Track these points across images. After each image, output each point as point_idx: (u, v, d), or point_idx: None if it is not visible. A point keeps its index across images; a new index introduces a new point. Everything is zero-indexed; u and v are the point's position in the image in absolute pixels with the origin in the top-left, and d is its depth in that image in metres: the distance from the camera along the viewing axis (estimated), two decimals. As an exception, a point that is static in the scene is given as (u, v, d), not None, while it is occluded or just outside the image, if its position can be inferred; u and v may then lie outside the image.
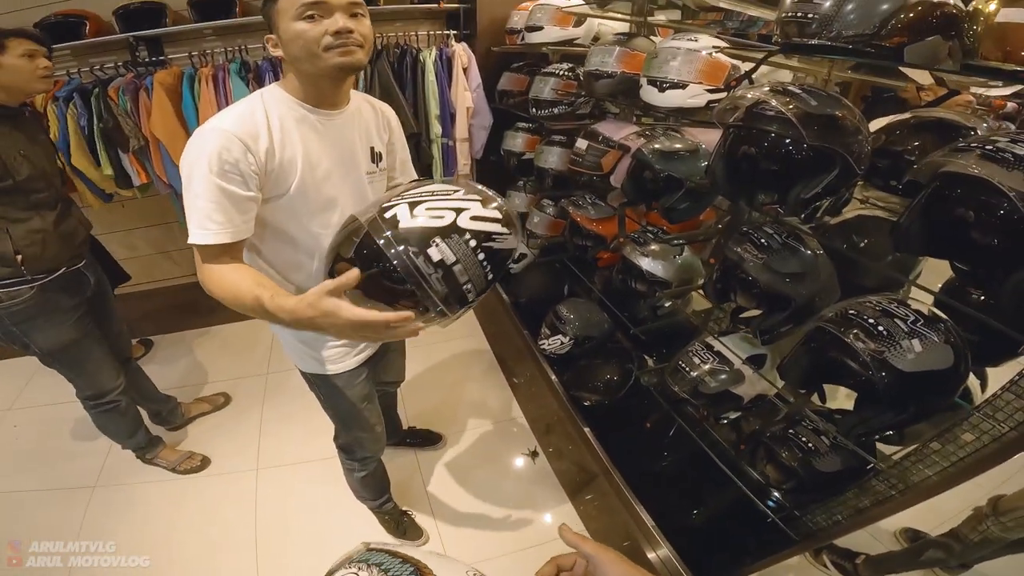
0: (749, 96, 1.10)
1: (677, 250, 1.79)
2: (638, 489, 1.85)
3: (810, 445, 1.38)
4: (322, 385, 1.36)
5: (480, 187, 0.89)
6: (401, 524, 1.88)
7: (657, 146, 1.59)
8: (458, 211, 0.81)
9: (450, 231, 0.79)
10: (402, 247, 0.77)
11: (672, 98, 1.51)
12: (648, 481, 1.88)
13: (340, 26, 0.93)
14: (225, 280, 0.96)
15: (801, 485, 1.41)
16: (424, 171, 2.69)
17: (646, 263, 1.80)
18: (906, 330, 0.98)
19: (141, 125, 2.33)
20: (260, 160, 0.97)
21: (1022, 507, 1.41)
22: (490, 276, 0.84)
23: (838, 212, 1.20)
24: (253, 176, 0.97)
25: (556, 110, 2.27)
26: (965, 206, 0.86)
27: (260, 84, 2.32)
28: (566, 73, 2.21)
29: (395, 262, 0.77)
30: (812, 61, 1.36)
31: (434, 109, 2.60)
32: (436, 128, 2.67)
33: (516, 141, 2.61)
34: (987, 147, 0.79)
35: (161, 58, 2.40)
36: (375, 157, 1.20)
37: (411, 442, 2.24)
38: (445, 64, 2.60)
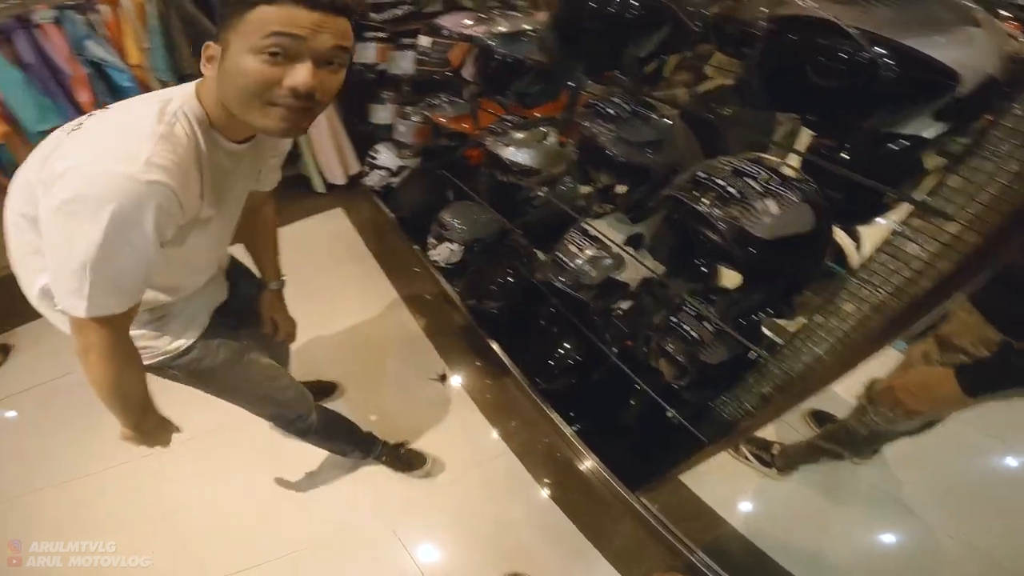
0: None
1: (539, 135, 1.67)
2: (555, 400, 1.75)
3: (694, 335, 1.26)
4: (182, 369, 1.09)
5: None
6: (401, 458, 1.70)
7: (498, 29, 1.41)
8: None
9: None
10: None
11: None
12: (567, 390, 1.77)
13: (304, 86, 0.67)
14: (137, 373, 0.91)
15: (694, 380, 1.30)
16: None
17: (508, 152, 1.65)
18: (760, 190, 0.89)
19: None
20: (186, 213, 0.77)
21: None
22: None
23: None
24: (175, 228, 0.77)
25: (399, 11, 2.01)
26: (806, 51, 0.75)
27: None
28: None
29: None
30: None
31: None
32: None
33: (367, 53, 2.30)
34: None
35: None
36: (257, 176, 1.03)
37: None
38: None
